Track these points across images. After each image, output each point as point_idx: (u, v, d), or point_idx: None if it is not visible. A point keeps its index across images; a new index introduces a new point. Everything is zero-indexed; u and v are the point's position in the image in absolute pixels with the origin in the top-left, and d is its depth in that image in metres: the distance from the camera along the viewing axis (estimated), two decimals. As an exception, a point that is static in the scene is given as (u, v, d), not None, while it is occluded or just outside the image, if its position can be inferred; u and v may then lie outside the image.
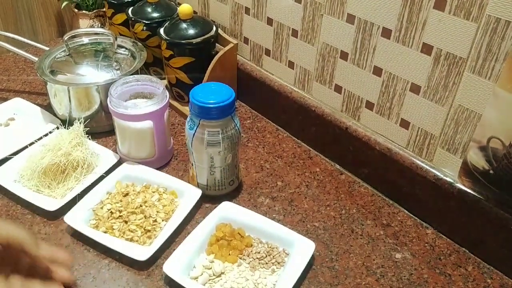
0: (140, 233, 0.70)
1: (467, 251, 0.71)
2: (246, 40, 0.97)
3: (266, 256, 0.67)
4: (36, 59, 0.92)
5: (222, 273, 0.65)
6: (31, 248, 0.51)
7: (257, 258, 0.66)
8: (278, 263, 0.66)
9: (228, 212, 0.72)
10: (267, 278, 0.64)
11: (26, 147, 0.82)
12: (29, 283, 0.53)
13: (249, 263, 0.66)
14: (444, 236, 0.74)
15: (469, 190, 0.68)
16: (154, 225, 0.71)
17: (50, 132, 0.85)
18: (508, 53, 0.57)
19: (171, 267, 0.64)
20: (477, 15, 0.59)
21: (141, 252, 0.67)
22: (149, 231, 0.70)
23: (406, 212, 0.78)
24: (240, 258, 0.67)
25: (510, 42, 0.57)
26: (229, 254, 0.67)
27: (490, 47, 0.59)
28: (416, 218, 0.77)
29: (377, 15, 0.70)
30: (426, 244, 0.73)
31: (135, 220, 0.71)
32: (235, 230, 0.69)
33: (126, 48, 0.96)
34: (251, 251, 0.67)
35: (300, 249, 0.67)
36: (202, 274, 0.64)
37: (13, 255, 0.53)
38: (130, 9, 1.00)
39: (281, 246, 0.69)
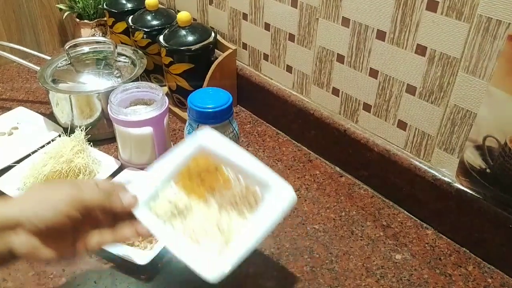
0: (141, 238, 0.70)
1: (467, 251, 0.71)
2: (244, 46, 0.98)
3: (239, 196, 0.59)
4: (39, 68, 0.93)
5: (186, 209, 0.58)
6: (107, 207, 0.53)
7: (227, 197, 0.59)
8: (251, 206, 0.58)
9: (208, 141, 0.62)
10: (234, 221, 0.57)
11: (29, 155, 0.84)
12: (119, 231, 0.55)
13: (218, 202, 0.58)
14: (444, 236, 0.74)
15: (467, 190, 0.68)
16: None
17: (53, 140, 0.86)
18: (500, 51, 0.58)
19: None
20: (468, 15, 0.59)
21: (141, 257, 0.67)
22: (149, 235, 0.71)
23: (406, 213, 0.78)
24: (211, 195, 0.59)
25: (502, 41, 0.57)
26: (199, 189, 0.59)
27: (483, 47, 0.59)
28: (416, 219, 0.77)
29: (371, 17, 0.71)
30: (426, 245, 0.73)
31: (136, 225, 0.72)
32: (212, 164, 0.61)
33: (127, 56, 0.97)
34: (224, 189, 0.59)
35: (278, 196, 0.58)
36: (164, 208, 0.57)
37: (94, 217, 0.55)
38: (130, 17, 1.02)
39: (259, 188, 0.59)
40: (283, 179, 0.59)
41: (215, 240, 0.55)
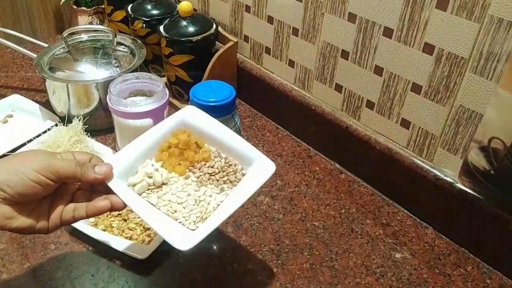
0: (139, 231, 0.69)
1: (467, 251, 0.72)
2: (246, 38, 0.96)
3: (219, 172, 0.58)
4: (35, 55, 0.91)
5: (164, 184, 0.57)
6: (79, 175, 0.52)
7: (207, 173, 0.58)
8: (231, 182, 0.58)
9: (190, 117, 0.62)
10: (213, 196, 0.57)
11: (24, 144, 0.82)
12: (94, 203, 0.54)
13: (197, 177, 0.58)
14: (443, 236, 0.74)
15: (469, 190, 0.68)
16: (154, 223, 0.70)
17: (49, 129, 0.85)
18: (510, 53, 0.57)
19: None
20: (479, 15, 0.59)
21: (140, 251, 0.66)
22: (148, 229, 0.70)
23: (406, 211, 0.78)
24: (190, 171, 0.59)
25: (513, 42, 0.57)
26: (179, 164, 0.59)
27: (492, 48, 0.59)
28: (415, 218, 0.77)
29: (378, 14, 0.70)
30: (425, 244, 0.73)
31: (134, 218, 0.71)
32: (193, 139, 0.60)
33: (126, 45, 0.95)
34: (204, 165, 0.59)
35: (258, 171, 0.57)
36: (141, 181, 0.56)
37: (69, 187, 0.55)
38: (130, 6, 1.00)
39: (241, 164, 0.59)
40: (265, 155, 0.58)
41: (191, 212, 0.55)
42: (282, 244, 0.71)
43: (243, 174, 0.59)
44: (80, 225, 0.69)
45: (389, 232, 0.74)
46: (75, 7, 1.17)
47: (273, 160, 0.86)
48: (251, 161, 0.59)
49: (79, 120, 0.81)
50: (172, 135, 0.60)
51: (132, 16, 0.98)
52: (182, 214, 0.54)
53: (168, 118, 0.62)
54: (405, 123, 0.74)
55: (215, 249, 0.71)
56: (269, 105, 0.96)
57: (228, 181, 0.58)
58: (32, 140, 0.82)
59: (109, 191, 0.54)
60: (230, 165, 0.59)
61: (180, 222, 0.54)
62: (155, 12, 0.98)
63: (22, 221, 0.51)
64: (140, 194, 0.56)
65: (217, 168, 0.58)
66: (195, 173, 0.58)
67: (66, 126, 0.81)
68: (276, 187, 0.81)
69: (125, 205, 0.54)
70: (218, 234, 0.73)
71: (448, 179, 0.70)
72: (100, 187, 0.55)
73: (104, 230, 0.70)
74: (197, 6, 1.04)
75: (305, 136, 0.91)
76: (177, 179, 0.58)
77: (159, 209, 0.55)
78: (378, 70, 0.74)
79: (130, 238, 0.69)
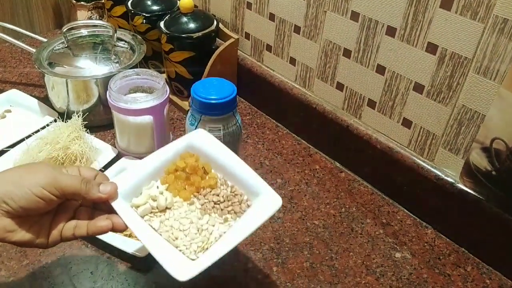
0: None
1: (467, 251, 0.72)
2: (247, 35, 0.96)
3: (224, 201, 0.57)
4: (33, 50, 0.90)
5: (168, 208, 0.56)
6: (83, 193, 0.52)
7: (212, 200, 0.57)
8: (235, 212, 0.57)
9: (199, 141, 0.61)
10: (216, 226, 0.55)
11: (23, 139, 0.81)
12: (95, 222, 0.53)
13: (202, 205, 0.57)
14: (443, 236, 0.74)
15: (470, 191, 0.68)
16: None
17: (48, 125, 0.84)
18: (514, 54, 0.57)
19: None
20: (484, 15, 0.59)
21: (140, 248, 0.66)
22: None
23: (406, 211, 0.78)
24: (195, 197, 0.58)
25: (517, 43, 0.57)
26: (184, 189, 0.58)
27: (497, 48, 0.59)
28: (416, 217, 0.77)
29: (382, 13, 0.70)
30: (425, 244, 0.73)
31: (134, 215, 0.70)
32: (200, 164, 0.59)
33: (126, 41, 0.95)
34: (210, 192, 0.58)
35: (264, 204, 0.56)
36: (145, 203, 0.56)
37: (72, 203, 0.55)
38: (130, 1, 0.99)
39: (247, 195, 0.58)
40: (271, 188, 0.57)
41: (192, 240, 0.54)
42: (282, 242, 0.71)
43: (248, 206, 0.58)
44: (79, 222, 0.69)
45: (389, 232, 0.74)
46: (74, 1, 1.15)
47: (273, 158, 0.87)
48: (257, 193, 0.57)
49: (78, 116, 0.80)
50: (180, 158, 0.59)
51: (132, 11, 0.97)
52: (183, 242, 0.54)
53: (177, 140, 0.61)
54: (407, 123, 0.74)
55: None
56: (270, 103, 0.96)
57: (232, 211, 0.57)
58: (31, 135, 0.82)
59: (112, 210, 0.53)
60: (236, 194, 0.58)
61: (180, 250, 0.53)
62: (155, 7, 0.97)
63: (22, 235, 0.51)
64: (142, 217, 0.55)
65: (222, 196, 0.58)
66: (199, 199, 0.58)
67: (65, 122, 0.80)
68: (276, 186, 0.81)
69: (126, 227, 0.53)
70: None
71: (449, 179, 0.70)
72: (103, 205, 0.55)
73: (103, 228, 0.69)
74: (198, 3, 1.03)
75: (305, 135, 0.91)
76: (181, 204, 0.57)
77: (160, 234, 0.54)
78: (380, 69, 0.74)
79: (130, 236, 0.68)
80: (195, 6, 0.94)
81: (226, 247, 0.52)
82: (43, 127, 0.84)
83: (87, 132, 0.82)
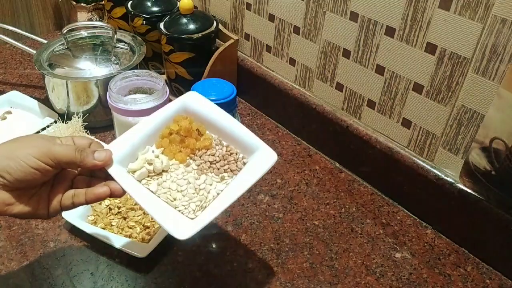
0: (139, 230, 0.69)
1: (467, 251, 0.72)
2: (247, 36, 0.96)
3: (220, 161, 0.57)
4: (34, 51, 0.91)
5: (164, 171, 0.56)
6: (78, 161, 0.51)
7: (208, 161, 0.57)
8: (232, 170, 0.57)
9: (192, 103, 0.60)
10: (213, 185, 0.56)
11: (23, 141, 0.81)
12: (93, 189, 0.53)
13: (198, 165, 0.57)
14: (443, 236, 0.74)
15: (470, 191, 0.68)
16: (153, 221, 0.70)
17: (48, 126, 0.84)
18: (513, 54, 0.57)
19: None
20: (483, 15, 0.59)
21: (140, 249, 0.66)
22: (148, 227, 0.70)
23: (406, 211, 0.78)
24: (191, 158, 0.58)
25: (516, 43, 0.57)
26: (180, 151, 0.58)
27: (495, 48, 0.59)
28: (416, 217, 0.77)
29: (381, 13, 0.70)
30: (425, 244, 0.73)
31: (134, 216, 0.70)
32: (194, 126, 0.59)
33: (125, 42, 0.95)
34: (205, 152, 0.58)
35: (260, 160, 0.56)
36: (141, 168, 0.55)
37: (69, 173, 0.55)
38: (130, 2, 0.99)
39: (242, 153, 0.58)
40: (266, 144, 0.57)
41: (190, 200, 0.54)
42: (282, 243, 0.71)
43: (244, 163, 0.58)
44: (79, 223, 0.69)
45: (389, 232, 0.74)
46: (74, 3, 1.16)
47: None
48: (253, 150, 0.57)
49: (78, 117, 0.81)
50: (173, 121, 0.59)
51: (132, 13, 0.98)
52: (181, 202, 0.54)
53: (170, 103, 0.60)
54: (406, 123, 0.74)
55: (215, 247, 0.70)
56: (269, 104, 0.96)
57: (229, 169, 0.57)
58: (31, 137, 0.82)
59: (109, 177, 0.53)
60: (231, 153, 0.58)
61: (179, 211, 0.53)
62: (155, 9, 0.97)
63: (22, 207, 0.51)
64: (140, 181, 0.55)
65: (218, 156, 0.57)
66: (195, 160, 0.57)
67: (65, 123, 0.80)
68: (276, 186, 0.81)
69: (124, 192, 0.53)
70: (218, 233, 0.72)
71: (448, 179, 0.70)
72: (100, 173, 0.54)
73: (103, 228, 0.69)
74: (198, 4, 1.03)
75: (305, 135, 0.91)
76: (177, 167, 0.57)
77: (158, 196, 0.54)
78: (380, 69, 0.74)
79: (130, 236, 0.69)
80: (195, 7, 0.95)
81: (224, 204, 0.53)
82: (44, 128, 0.84)
83: (87, 133, 0.83)
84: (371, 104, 0.78)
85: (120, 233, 0.69)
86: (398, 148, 0.76)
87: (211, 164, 0.57)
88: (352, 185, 0.83)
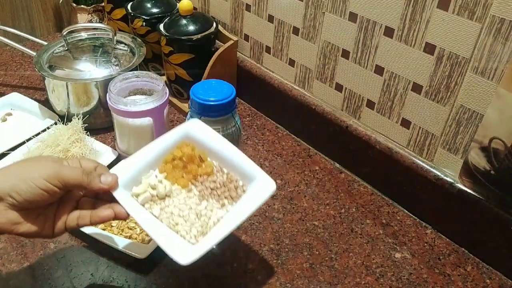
0: (139, 231, 0.69)
1: (466, 251, 0.72)
2: (246, 37, 0.96)
3: (221, 187, 0.59)
4: (34, 53, 0.91)
5: (167, 196, 0.58)
6: (85, 184, 0.53)
7: (210, 187, 0.59)
8: (232, 197, 0.59)
9: (195, 131, 0.63)
10: (214, 211, 0.57)
11: (23, 142, 0.82)
12: (98, 211, 0.55)
13: (199, 191, 0.59)
14: (443, 236, 0.74)
15: (469, 190, 0.68)
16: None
17: (48, 128, 0.84)
18: (511, 53, 0.57)
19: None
20: (481, 15, 0.59)
21: (140, 250, 0.66)
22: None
23: (406, 211, 0.78)
24: (193, 184, 0.59)
25: (514, 42, 0.57)
26: (182, 177, 0.59)
27: (494, 48, 0.59)
28: (415, 217, 0.77)
29: (379, 14, 0.70)
30: (425, 244, 0.73)
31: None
32: (196, 153, 0.61)
33: (125, 44, 0.95)
34: (207, 179, 0.60)
35: (259, 189, 0.58)
36: (144, 192, 0.57)
37: (74, 194, 0.56)
38: (130, 4, 1.00)
39: (242, 181, 0.60)
40: (266, 173, 0.59)
41: (192, 225, 0.55)
42: (282, 243, 0.71)
43: (244, 191, 0.60)
44: (79, 224, 0.69)
45: (389, 232, 0.74)
46: (74, 5, 1.16)
47: (273, 159, 0.87)
48: (252, 178, 0.59)
49: (78, 119, 0.81)
50: (176, 148, 0.61)
51: (132, 14, 0.98)
52: (183, 227, 0.55)
53: (173, 130, 0.62)
54: (406, 123, 0.74)
55: (215, 248, 0.70)
56: (269, 104, 0.96)
57: (229, 196, 0.59)
58: (32, 138, 0.82)
59: (114, 200, 0.55)
60: (232, 181, 0.60)
61: (181, 235, 0.55)
62: (155, 10, 0.97)
63: (29, 226, 0.52)
64: (143, 205, 0.57)
65: (219, 183, 0.59)
66: (197, 186, 0.59)
67: (65, 124, 0.81)
68: (276, 187, 0.81)
69: (128, 215, 0.54)
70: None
71: (448, 179, 0.70)
72: (104, 195, 0.56)
73: (103, 229, 0.69)
74: (197, 5, 1.04)
75: (305, 136, 0.91)
76: (179, 192, 0.58)
77: (161, 221, 0.56)
78: (379, 70, 0.74)
79: (130, 237, 0.69)
80: (195, 8, 0.95)
81: (225, 230, 0.54)
82: (44, 130, 0.84)
83: (87, 135, 0.83)
84: (370, 104, 0.78)
85: (120, 234, 0.69)
86: (398, 148, 0.76)
87: (212, 190, 0.59)
88: (352, 185, 0.83)
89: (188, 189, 0.59)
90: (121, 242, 0.67)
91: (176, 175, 0.59)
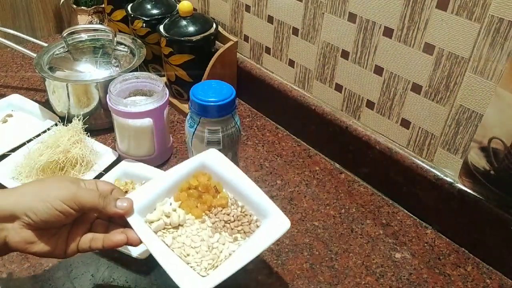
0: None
1: (467, 251, 0.72)
2: (246, 38, 0.96)
3: (234, 221, 0.59)
4: (34, 55, 0.91)
5: (180, 225, 0.58)
6: (100, 208, 0.53)
7: (223, 220, 0.59)
8: (245, 232, 0.59)
9: (212, 161, 0.63)
10: (226, 245, 0.58)
11: (24, 143, 0.82)
12: (111, 236, 0.55)
13: (213, 223, 0.59)
14: (443, 236, 0.74)
15: (469, 190, 0.68)
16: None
17: (49, 129, 0.85)
18: (510, 53, 0.57)
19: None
20: (480, 15, 0.59)
21: (140, 250, 0.66)
22: (140, 244, 0.69)
23: (406, 211, 0.78)
24: (206, 215, 0.60)
25: (513, 42, 0.57)
26: (196, 207, 0.60)
27: (493, 48, 0.59)
28: (415, 217, 0.77)
29: (379, 14, 0.70)
30: (425, 244, 0.73)
31: (134, 218, 0.71)
32: (212, 183, 0.61)
33: (125, 45, 0.95)
34: (221, 211, 0.60)
35: (273, 226, 0.58)
36: (158, 220, 0.58)
37: (89, 216, 0.57)
38: (130, 5, 1.00)
39: (256, 216, 0.61)
40: (281, 210, 0.59)
41: (203, 257, 0.56)
42: (282, 244, 0.71)
43: (257, 226, 0.60)
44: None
45: (389, 232, 0.74)
46: (74, 6, 1.16)
47: (273, 160, 0.87)
48: (266, 214, 0.60)
49: (79, 120, 0.81)
50: (192, 177, 0.62)
51: (132, 15, 0.98)
52: (194, 258, 0.56)
53: (190, 159, 0.64)
54: (405, 123, 0.74)
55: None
56: (269, 105, 0.96)
57: (242, 231, 0.59)
58: (32, 139, 0.82)
59: (127, 224, 0.55)
60: (246, 215, 0.60)
61: (191, 267, 0.55)
62: (155, 11, 0.98)
63: (42, 246, 0.53)
64: (156, 232, 0.57)
65: (232, 216, 0.60)
66: (211, 218, 0.60)
67: (66, 125, 0.81)
68: (276, 187, 0.81)
69: (140, 241, 0.55)
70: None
71: (448, 179, 0.70)
72: (118, 219, 0.56)
73: (104, 230, 0.70)
74: (197, 6, 1.04)
75: (305, 136, 0.91)
76: (193, 222, 0.59)
77: (172, 250, 0.56)
78: (378, 70, 0.74)
79: (130, 238, 0.69)
80: (194, 9, 0.95)
81: (235, 266, 0.54)
82: (44, 131, 0.84)
83: (88, 136, 0.83)
84: (370, 104, 0.78)
85: (121, 234, 0.69)
86: (398, 149, 0.76)
87: (225, 223, 0.59)
88: (352, 185, 0.83)
89: (202, 220, 0.59)
90: (121, 243, 0.67)
91: (190, 204, 0.60)
